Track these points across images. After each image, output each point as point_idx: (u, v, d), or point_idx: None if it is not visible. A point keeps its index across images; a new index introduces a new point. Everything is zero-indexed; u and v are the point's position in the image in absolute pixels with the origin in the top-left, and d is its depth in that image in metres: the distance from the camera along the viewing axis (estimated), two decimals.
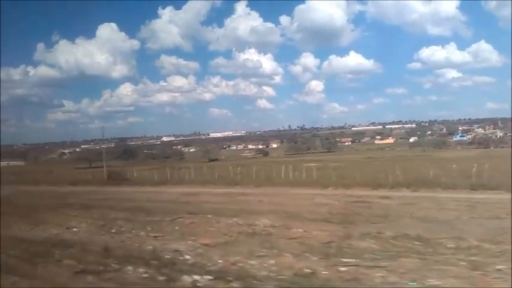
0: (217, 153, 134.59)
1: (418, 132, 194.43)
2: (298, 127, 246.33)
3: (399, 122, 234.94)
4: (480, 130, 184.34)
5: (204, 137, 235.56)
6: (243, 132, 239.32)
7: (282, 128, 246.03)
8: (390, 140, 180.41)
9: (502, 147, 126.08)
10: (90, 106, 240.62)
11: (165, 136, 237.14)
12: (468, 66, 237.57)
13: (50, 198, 23.92)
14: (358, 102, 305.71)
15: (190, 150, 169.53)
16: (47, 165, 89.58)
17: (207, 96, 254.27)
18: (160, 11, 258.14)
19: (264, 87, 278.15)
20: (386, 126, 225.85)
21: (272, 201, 19.33)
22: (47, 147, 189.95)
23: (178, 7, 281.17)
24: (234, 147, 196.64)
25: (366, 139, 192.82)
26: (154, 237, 11.92)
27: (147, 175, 36.23)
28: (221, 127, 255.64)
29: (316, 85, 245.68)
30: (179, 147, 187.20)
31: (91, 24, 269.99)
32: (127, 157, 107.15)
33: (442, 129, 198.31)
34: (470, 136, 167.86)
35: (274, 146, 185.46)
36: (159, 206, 18.38)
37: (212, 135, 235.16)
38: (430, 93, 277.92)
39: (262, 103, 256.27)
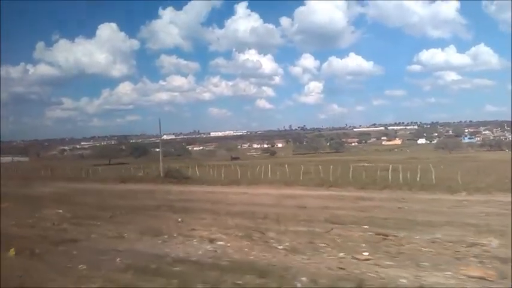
0: (238, 151, 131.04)
1: (425, 134, 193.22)
2: (299, 127, 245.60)
3: (400, 124, 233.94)
4: (487, 132, 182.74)
5: (204, 136, 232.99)
6: (243, 131, 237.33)
7: (282, 128, 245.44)
8: (397, 141, 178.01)
9: None
10: (89, 104, 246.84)
11: (165, 135, 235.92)
12: (467, 68, 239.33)
13: (122, 198, 20.37)
14: (357, 104, 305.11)
15: (207, 148, 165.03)
16: (56, 161, 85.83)
17: (207, 96, 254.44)
18: (160, 11, 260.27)
19: (264, 88, 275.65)
20: (389, 128, 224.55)
21: (420, 209, 15.67)
22: (46, 143, 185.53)
23: (178, 8, 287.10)
24: (239, 147, 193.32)
25: (371, 140, 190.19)
26: (355, 258, 8.47)
27: (207, 174, 32.67)
28: (220, 126, 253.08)
29: (316, 86, 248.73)
30: (191, 146, 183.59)
31: (91, 23, 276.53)
32: (138, 155, 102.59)
33: (448, 131, 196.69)
34: (479, 138, 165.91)
35: (280, 145, 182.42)
36: (281, 212, 14.85)
37: (213, 134, 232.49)
38: (429, 95, 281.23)
39: (262, 103, 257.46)
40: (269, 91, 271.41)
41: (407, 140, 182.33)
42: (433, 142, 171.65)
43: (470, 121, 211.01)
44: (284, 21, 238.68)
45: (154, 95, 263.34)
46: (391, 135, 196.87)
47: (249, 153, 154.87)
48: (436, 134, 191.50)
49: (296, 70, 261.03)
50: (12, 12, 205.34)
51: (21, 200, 19.81)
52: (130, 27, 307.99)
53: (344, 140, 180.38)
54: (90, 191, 24.64)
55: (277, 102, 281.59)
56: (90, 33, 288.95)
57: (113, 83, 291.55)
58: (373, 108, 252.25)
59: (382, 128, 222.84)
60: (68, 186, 29.20)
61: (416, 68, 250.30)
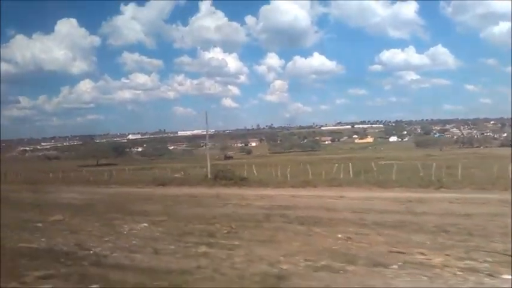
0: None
1: (394, 132, 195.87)
2: (266, 126, 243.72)
3: (364, 122, 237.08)
4: (454, 130, 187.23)
5: (172, 135, 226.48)
6: (211, 130, 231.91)
7: (250, 127, 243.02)
8: (370, 139, 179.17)
9: (486, 146, 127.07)
10: (47, 103, 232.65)
11: (130, 134, 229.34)
12: (426, 68, 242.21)
13: (199, 205, 15.95)
14: (321, 103, 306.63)
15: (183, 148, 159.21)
16: (26, 163, 77.74)
17: (171, 94, 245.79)
18: (122, 7, 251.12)
19: (229, 87, 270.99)
20: (355, 126, 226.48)
21: None
22: (3, 144, 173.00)
23: (141, 4, 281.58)
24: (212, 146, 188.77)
25: (344, 138, 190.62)
26: None
27: (261, 175, 28.24)
28: (185, 126, 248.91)
29: (281, 85, 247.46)
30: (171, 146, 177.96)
31: (50, 19, 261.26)
32: (116, 155, 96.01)
33: (415, 129, 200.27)
34: (449, 136, 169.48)
35: (254, 144, 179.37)
36: (458, 223, 11.25)
37: (181, 133, 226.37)
38: (390, 94, 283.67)
39: (227, 102, 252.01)
40: (234, 90, 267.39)
41: (379, 137, 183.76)
42: (404, 140, 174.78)
43: (432, 119, 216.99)
44: (249, 19, 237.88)
45: (117, 93, 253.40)
46: (361, 134, 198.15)
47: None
48: (406, 132, 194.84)
49: (261, 69, 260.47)
50: None
51: (71, 210, 15.15)
52: (90, 23, 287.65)
53: (318, 138, 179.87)
54: (141, 197, 20.00)
55: (243, 101, 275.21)
56: (49, 29, 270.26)
57: (72, 80, 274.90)
58: (336, 107, 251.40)
59: (349, 126, 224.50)
60: (99, 191, 24.23)
61: (377, 67, 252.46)
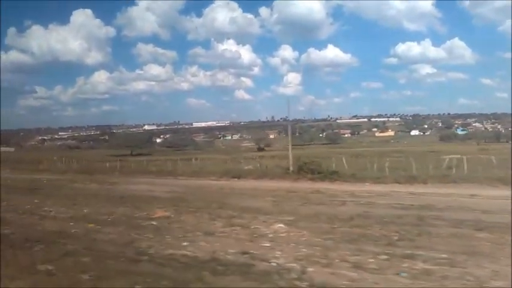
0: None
1: (414, 125, 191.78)
2: (281, 118, 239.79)
3: (380, 116, 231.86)
4: (477, 124, 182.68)
5: (187, 127, 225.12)
6: (226, 122, 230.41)
7: (265, 119, 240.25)
8: (391, 133, 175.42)
9: None
10: (63, 93, 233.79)
11: (146, 125, 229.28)
12: (442, 62, 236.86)
13: (303, 202, 13.99)
14: (334, 95, 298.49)
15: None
16: (51, 151, 76.44)
17: (185, 85, 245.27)
18: None
19: (243, 78, 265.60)
20: (372, 120, 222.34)
21: None
22: (22, 133, 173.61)
23: None
24: (229, 137, 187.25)
25: (363, 131, 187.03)
26: None
27: (344, 167, 25.91)
28: (198, 117, 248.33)
29: (294, 77, 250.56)
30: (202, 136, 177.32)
31: (65, 9, 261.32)
32: (149, 146, 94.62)
33: (436, 123, 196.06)
34: (472, 130, 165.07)
35: (271, 136, 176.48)
36: None
37: (196, 124, 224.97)
38: (405, 88, 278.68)
39: (241, 94, 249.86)
40: (248, 82, 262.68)
41: (399, 131, 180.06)
42: (426, 134, 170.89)
43: (448, 113, 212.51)
44: (263, 11, 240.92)
45: (131, 84, 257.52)
46: (380, 127, 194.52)
47: (243, 145, 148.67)
48: (426, 126, 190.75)
49: (275, 61, 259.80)
50: None
51: (165, 204, 13.32)
52: (106, 13, 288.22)
53: (337, 131, 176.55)
54: (229, 190, 17.97)
55: (256, 93, 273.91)
56: (64, 20, 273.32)
57: (88, 71, 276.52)
58: (349, 100, 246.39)
59: (365, 119, 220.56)
60: (173, 182, 22.23)
61: (392, 60, 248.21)
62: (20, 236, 9.37)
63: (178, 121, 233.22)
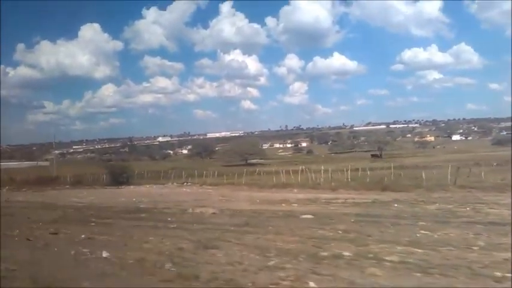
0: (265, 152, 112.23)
1: (448, 131, 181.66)
2: (294, 127, 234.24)
3: (396, 122, 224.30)
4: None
5: (202, 137, 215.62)
6: (240, 132, 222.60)
7: (279, 128, 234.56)
8: (431, 138, 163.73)
9: None
10: (71, 107, 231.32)
11: (160, 137, 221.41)
12: (449, 67, 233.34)
13: None
14: (341, 103, 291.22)
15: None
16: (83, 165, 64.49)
17: (191, 97, 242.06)
18: (144, 11, 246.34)
19: (249, 89, 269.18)
20: (391, 126, 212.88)
21: None
22: (34, 148, 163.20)
23: (162, 8, 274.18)
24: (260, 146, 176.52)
25: (399, 138, 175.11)
26: None
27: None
28: (204, 128, 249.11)
29: (300, 86, 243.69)
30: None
31: (73, 24, 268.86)
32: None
33: (473, 128, 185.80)
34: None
35: (304, 144, 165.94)
36: None
37: (210, 135, 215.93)
38: (412, 94, 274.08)
39: (246, 104, 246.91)
40: (254, 92, 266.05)
41: (439, 137, 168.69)
42: (468, 138, 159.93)
43: (472, 118, 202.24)
44: (269, 21, 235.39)
45: (138, 97, 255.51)
46: (414, 133, 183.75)
47: (280, 153, 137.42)
48: (461, 131, 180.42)
49: (281, 70, 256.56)
50: None
51: None
52: (113, 27, 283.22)
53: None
54: None
55: (262, 102, 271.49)
56: (72, 35, 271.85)
57: (95, 85, 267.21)
58: (356, 108, 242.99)
59: (383, 126, 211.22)
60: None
61: (399, 67, 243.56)
62: None
63: (189, 132, 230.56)
